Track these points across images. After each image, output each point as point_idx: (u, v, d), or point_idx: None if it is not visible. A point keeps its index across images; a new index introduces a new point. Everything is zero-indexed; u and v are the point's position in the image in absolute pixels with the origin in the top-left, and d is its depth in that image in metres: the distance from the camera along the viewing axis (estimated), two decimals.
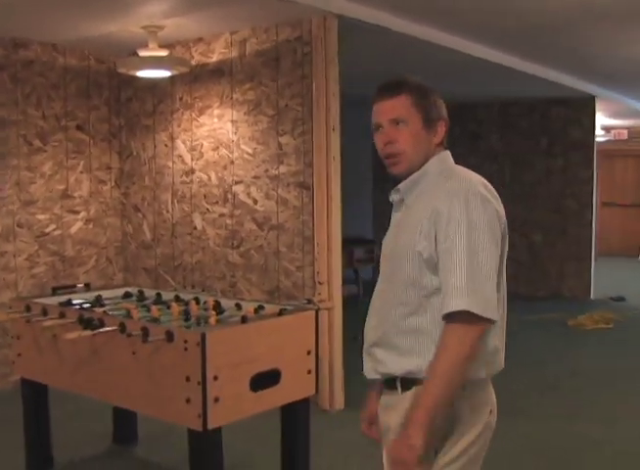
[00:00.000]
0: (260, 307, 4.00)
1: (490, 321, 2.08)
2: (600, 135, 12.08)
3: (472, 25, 6.34)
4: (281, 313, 3.84)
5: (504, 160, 11.26)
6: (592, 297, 10.85)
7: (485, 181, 2.24)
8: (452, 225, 2.09)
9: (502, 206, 2.23)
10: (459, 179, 2.21)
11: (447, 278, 2.09)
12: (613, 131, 14.45)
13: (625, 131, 15.55)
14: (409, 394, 2.22)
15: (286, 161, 5.77)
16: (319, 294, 5.49)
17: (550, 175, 11.06)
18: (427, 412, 2.06)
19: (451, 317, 2.07)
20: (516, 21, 6.17)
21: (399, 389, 2.25)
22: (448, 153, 2.35)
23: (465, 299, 2.04)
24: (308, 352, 3.84)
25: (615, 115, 13.00)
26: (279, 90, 5.76)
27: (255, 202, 5.98)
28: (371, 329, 2.37)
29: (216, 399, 3.30)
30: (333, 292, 5.57)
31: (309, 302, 4.29)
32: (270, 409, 3.67)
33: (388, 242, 2.39)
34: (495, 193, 2.23)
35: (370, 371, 2.36)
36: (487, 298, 2.07)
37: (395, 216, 2.41)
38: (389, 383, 2.29)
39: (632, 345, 8.12)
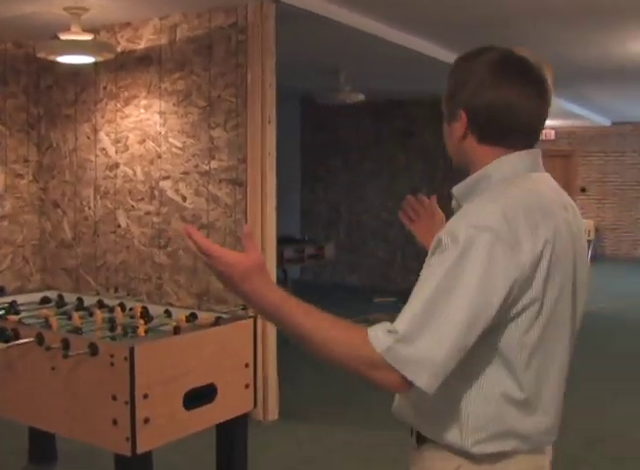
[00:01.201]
0: (193, 315, 3.70)
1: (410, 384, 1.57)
2: None
3: (415, 19, 6.13)
4: (217, 323, 3.54)
5: (436, 157, 11.09)
6: None
7: (528, 208, 1.66)
8: (441, 255, 1.62)
9: (550, 243, 1.64)
10: (486, 200, 1.69)
11: (401, 312, 1.62)
12: None
13: (553, 132, 15.68)
14: (424, 449, 1.80)
15: (218, 155, 5.44)
16: None
17: None
18: (267, 302, 1.63)
19: (368, 337, 1.59)
20: (458, 15, 5.98)
21: (414, 440, 1.84)
22: (516, 155, 1.76)
23: (389, 342, 1.55)
24: (246, 365, 3.56)
25: None
26: (211, 80, 5.42)
27: (184, 199, 5.63)
28: None
29: (146, 420, 2.98)
30: None
31: (245, 308, 3.96)
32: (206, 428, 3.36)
33: None
34: (537, 229, 1.64)
35: (394, 407, 1.92)
36: (423, 356, 1.55)
37: None
38: (409, 428, 1.90)
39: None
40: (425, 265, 1.66)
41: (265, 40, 5.14)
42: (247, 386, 3.56)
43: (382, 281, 11.50)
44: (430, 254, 1.67)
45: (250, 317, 3.68)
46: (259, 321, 3.88)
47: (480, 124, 1.76)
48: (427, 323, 1.55)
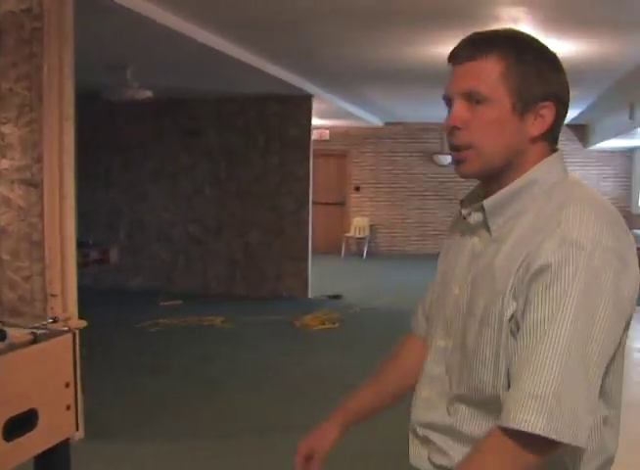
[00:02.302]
0: (1, 333, 3.30)
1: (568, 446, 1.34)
2: None
3: (218, 18, 5.99)
4: (35, 340, 3.17)
5: (220, 157, 10.94)
6: (310, 296, 10.86)
7: (614, 214, 1.44)
8: (555, 291, 1.33)
9: None
10: (583, 214, 1.38)
11: (522, 375, 1.34)
12: (316, 131, 14.73)
13: (327, 131, 15.99)
14: None
15: (9, 154, 4.97)
16: (52, 308, 4.80)
17: (267, 173, 10.92)
18: None
19: (509, 431, 1.34)
20: (249, 13, 5.89)
21: None
22: (557, 156, 1.51)
23: (544, 417, 1.30)
24: (67, 385, 3.22)
25: (321, 114, 13.19)
26: (2, 71, 4.93)
27: None
28: (424, 403, 1.68)
29: None
30: (68, 305, 4.91)
31: (55, 320, 3.61)
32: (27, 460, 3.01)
33: (459, 278, 1.58)
34: (632, 240, 1.44)
35: (422, 459, 1.67)
36: (580, 417, 1.32)
37: (468, 244, 1.58)
38: None
39: (359, 342, 8.17)
40: (533, 304, 1.36)
41: (63, 29, 4.75)
42: (68, 407, 3.23)
43: (166, 284, 11.18)
44: (527, 281, 1.37)
45: (68, 331, 3.35)
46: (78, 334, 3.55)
47: (562, 120, 1.49)
48: (574, 376, 1.31)
